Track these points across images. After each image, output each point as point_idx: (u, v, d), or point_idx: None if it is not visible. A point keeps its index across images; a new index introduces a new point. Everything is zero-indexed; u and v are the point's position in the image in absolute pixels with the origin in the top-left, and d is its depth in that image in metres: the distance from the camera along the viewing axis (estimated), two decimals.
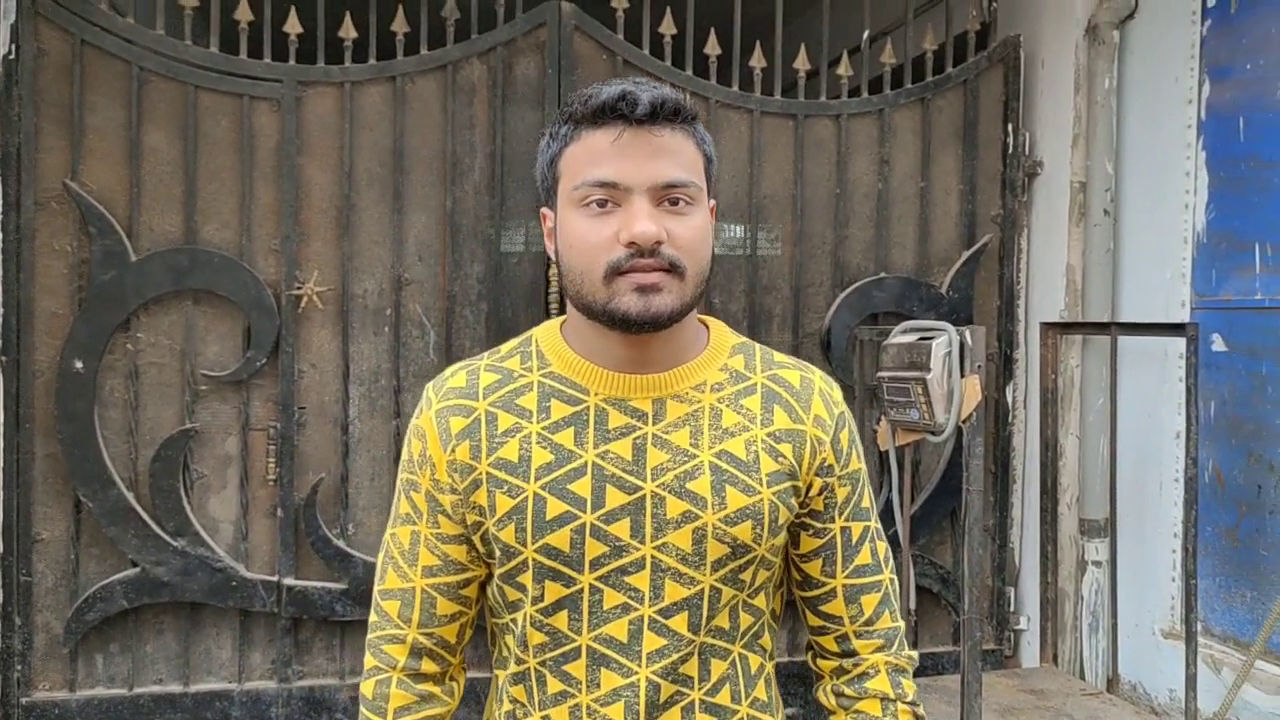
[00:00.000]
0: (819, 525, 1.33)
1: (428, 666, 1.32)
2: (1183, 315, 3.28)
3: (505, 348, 1.34)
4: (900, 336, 3.12)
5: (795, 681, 3.44)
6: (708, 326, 1.35)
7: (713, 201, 1.30)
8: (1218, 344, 3.18)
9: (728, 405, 1.28)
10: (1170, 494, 3.30)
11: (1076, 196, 3.53)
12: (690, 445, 1.25)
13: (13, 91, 3.00)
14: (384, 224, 3.27)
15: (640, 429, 1.25)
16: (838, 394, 1.36)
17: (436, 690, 1.32)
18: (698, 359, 1.30)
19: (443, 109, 3.29)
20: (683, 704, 1.24)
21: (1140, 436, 3.40)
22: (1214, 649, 3.14)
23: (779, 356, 1.36)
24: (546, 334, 1.33)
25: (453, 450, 1.26)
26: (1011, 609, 3.75)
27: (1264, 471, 3.03)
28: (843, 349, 3.53)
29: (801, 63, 3.55)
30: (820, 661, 1.40)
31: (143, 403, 3.14)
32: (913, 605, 3.48)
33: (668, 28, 3.40)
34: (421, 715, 1.31)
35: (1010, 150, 3.69)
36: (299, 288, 3.20)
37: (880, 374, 3.14)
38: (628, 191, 1.19)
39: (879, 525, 1.38)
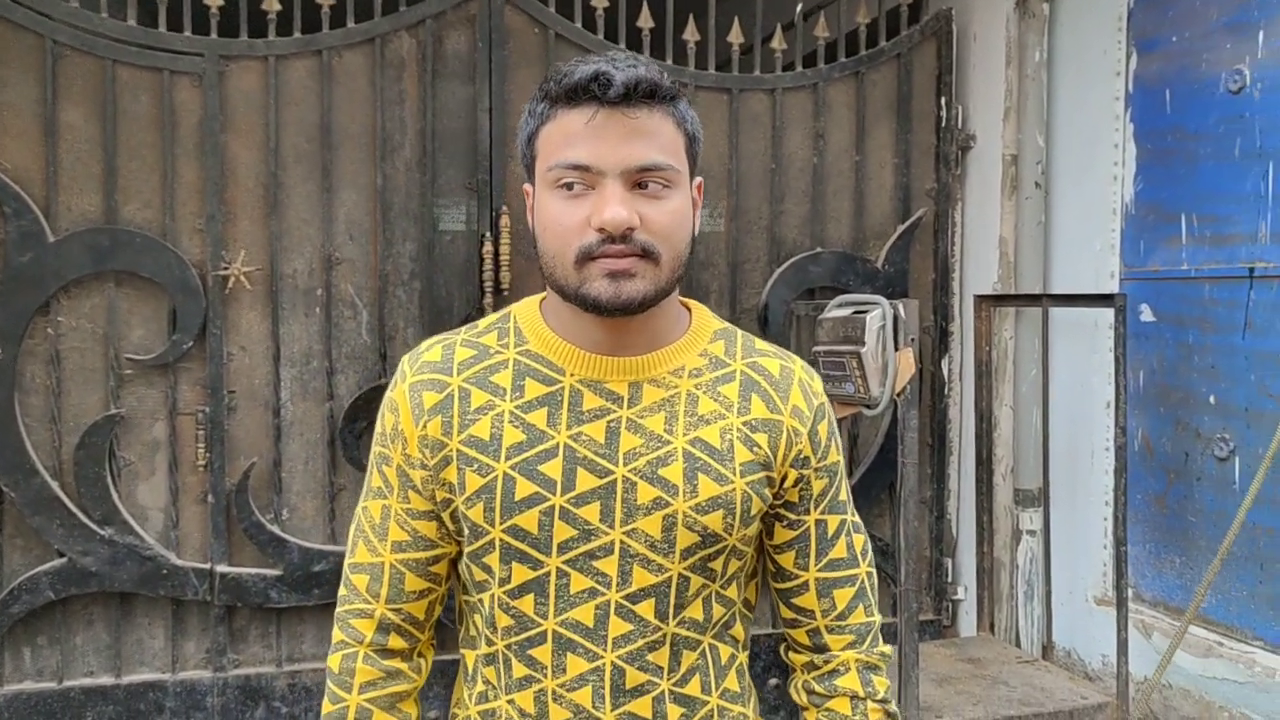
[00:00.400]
0: (794, 517, 1.31)
1: (395, 642, 1.31)
2: (1112, 286, 3.32)
3: (484, 323, 1.33)
4: (835, 311, 3.13)
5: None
6: (690, 310, 1.33)
7: (698, 179, 1.27)
8: (1146, 314, 3.23)
9: (705, 392, 1.26)
10: (1101, 463, 3.35)
11: (1009, 169, 3.56)
12: (664, 431, 1.23)
13: None
14: (313, 202, 3.20)
15: (615, 412, 1.23)
16: (818, 385, 1.34)
17: (404, 666, 1.32)
18: (677, 343, 1.28)
19: (371, 84, 3.22)
20: (653, 694, 1.23)
21: (1072, 406, 3.45)
22: (1145, 614, 3.20)
23: (760, 344, 1.34)
24: (526, 311, 1.31)
25: (424, 425, 1.25)
26: (949, 579, 3.80)
27: (1191, 439, 3.08)
28: (780, 324, 3.53)
29: (735, 37, 3.53)
30: (792, 655, 1.39)
31: (65, 389, 3.06)
32: None
33: (599, 1, 3.36)
34: (388, 691, 1.30)
35: (944, 124, 3.71)
36: (225, 268, 3.13)
37: (816, 348, 3.15)
38: (600, 175, 1.16)
39: (857, 519, 1.37)
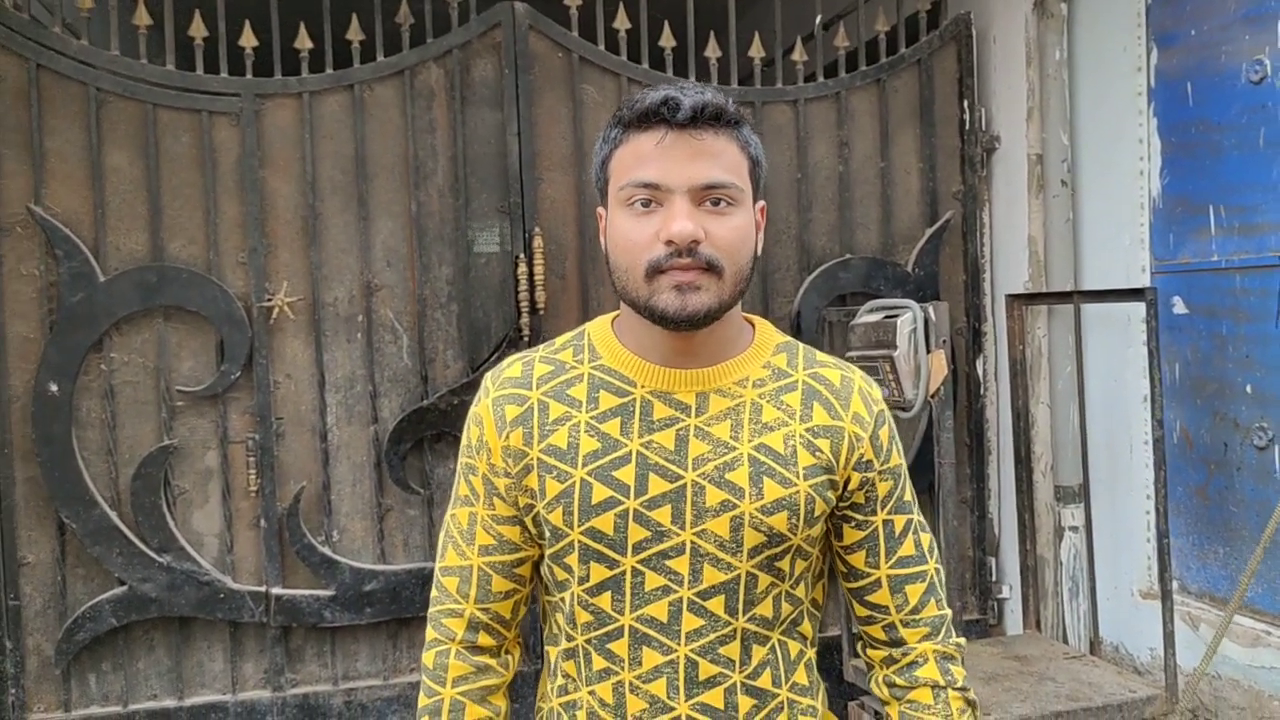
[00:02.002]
0: (861, 518, 1.38)
1: (484, 640, 1.39)
2: (1143, 280, 3.33)
3: (559, 341, 1.42)
4: (866, 316, 3.16)
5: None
6: (754, 325, 1.41)
7: (761, 203, 1.34)
8: (1178, 307, 3.23)
9: (768, 401, 1.33)
10: (1140, 456, 3.35)
11: (1034, 169, 3.58)
12: (730, 438, 1.30)
13: None
14: (350, 231, 3.29)
15: (683, 420, 1.31)
16: (877, 393, 1.42)
17: (493, 662, 1.40)
18: (741, 355, 1.36)
19: (402, 114, 3.31)
20: (725, 685, 1.30)
21: (1108, 401, 3.45)
22: (1190, 606, 3.19)
23: (821, 355, 1.42)
24: (599, 328, 1.40)
25: (507, 436, 1.34)
26: (993, 578, 3.80)
27: (1229, 429, 3.08)
28: (812, 331, 3.57)
29: (756, 51, 3.58)
30: (870, 651, 1.45)
31: (120, 421, 3.16)
32: None
33: (622, 22, 3.43)
34: (479, 685, 1.39)
35: (967, 127, 3.73)
36: (269, 299, 3.22)
37: (849, 353, 3.18)
38: (669, 192, 1.24)
39: (921, 518, 1.43)
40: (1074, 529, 3.56)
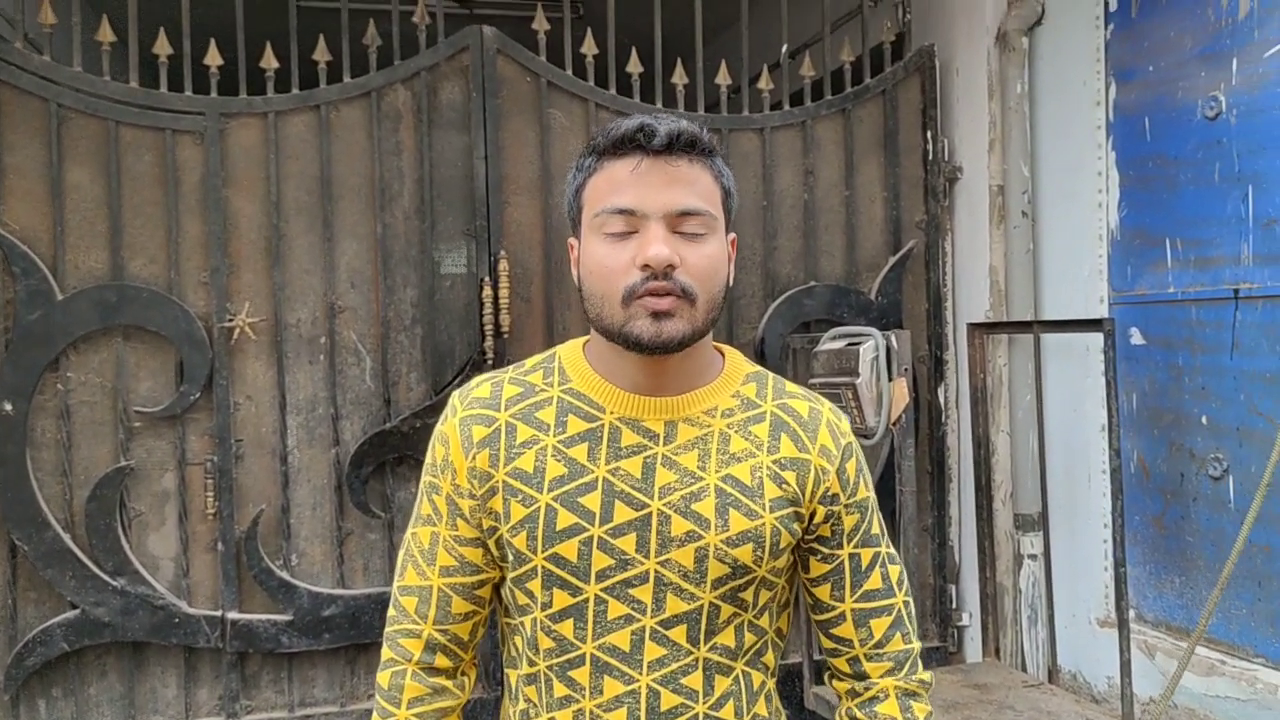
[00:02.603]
0: (827, 551, 1.38)
1: (441, 661, 1.38)
2: (1101, 311, 3.37)
3: (530, 363, 1.41)
4: (830, 343, 3.18)
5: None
6: (724, 354, 1.41)
7: (733, 235, 1.35)
8: (1136, 338, 3.28)
9: (736, 431, 1.33)
10: (1098, 485, 3.39)
11: (995, 199, 3.62)
12: (698, 468, 1.30)
13: None
14: (314, 252, 3.27)
15: (651, 449, 1.30)
16: (845, 425, 1.41)
17: (449, 684, 1.39)
18: (711, 385, 1.36)
19: (369, 135, 3.30)
20: (687, 715, 1.29)
21: (1067, 431, 3.49)
22: (1147, 635, 3.22)
23: (790, 386, 1.42)
24: (570, 352, 1.39)
25: (473, 457, 1.33)
26: (954, 606, 3.82)
27: (1185, 460, 3.12)
28: (776, 358, 3.59)
29: (723, 78, 3.61)
30: (836, 683, 1.46)
31: (76, 442, 3.11)
32: None
33: (589, 48, 3.45)
34: (434, 706, 1.38)
35: (930, 157, 3.78)
36: (231, 319, 3.19)
37: (812, 380, 3.20)
38: (644, 218, 1.25)
39: (892, 550, 1.43)
40: (1033, 557, 3.59)
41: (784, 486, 1.32)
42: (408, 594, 1.39)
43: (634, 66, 3.46)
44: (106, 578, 3.09)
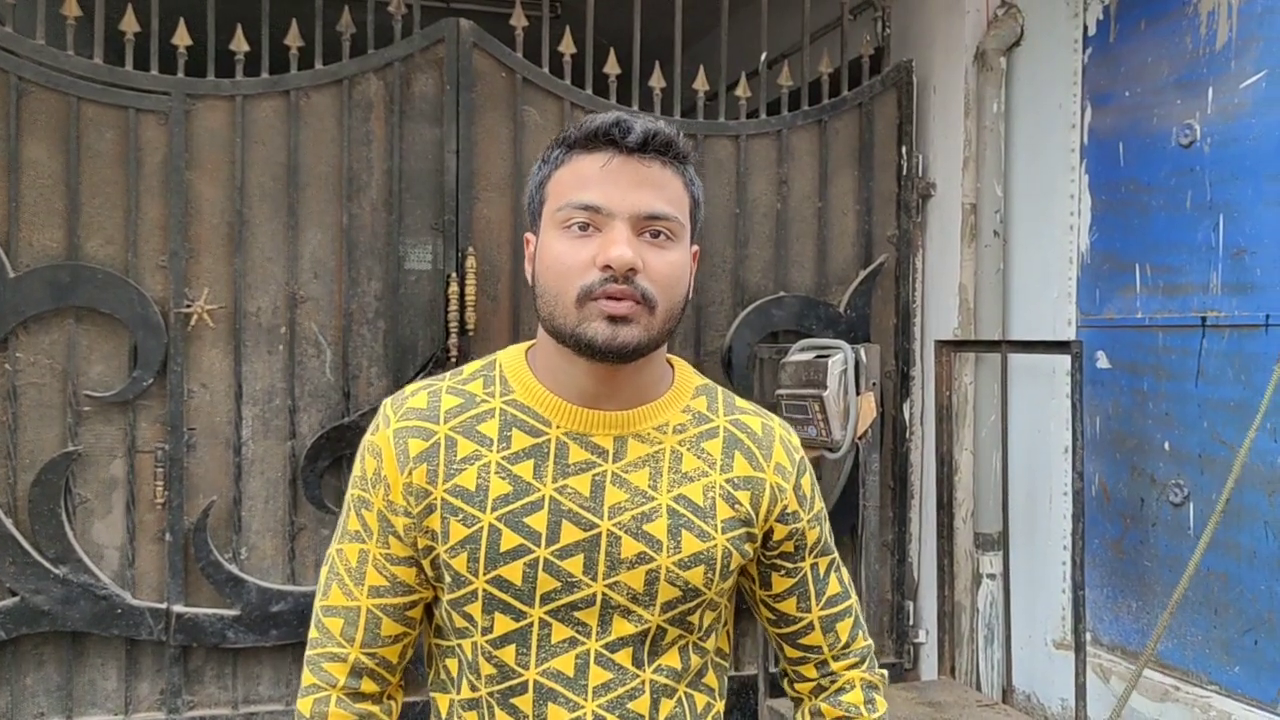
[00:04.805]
0: (791, 566, 1.35)
1: (368, 686, 1.30)
2: (1069, 333, 3.38)
3: (468, 370, 1.32)
4: (798, 355, 3.16)
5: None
6: (673, 366, 1.35)
7: (695, 247, 1.30)
8: (1102, 361, 3.28)
9: (688, 449, 1.28)
10: (1060, 507, 3.39)
11: (968, 217, 3.62)
12: (649, 487, 1.25)
13: None
14: (278, 240, 3.21)
15: (600, 466, 1.24)
16: (796, 440, 1.38)
17: (375, 710, 1.31)
18: (661, 399, 1.30)
19: (339, 124, 3.24)
20: None
21: (1031, 451, 3.49)
22: (1103, 658, 3.22)
23: (740, 401, 1.38)
24: (511, 360, 1.31)
25: (409, 473, 1.24)
26: (911, 623, 3.81)
27: (1146, 485, 3.13)
28: (744, 367, 3.56)
29: (701, 84, 3.58)
30: (798, 686, 1.43)
31: (22, 425, 3.02)
32: None
33: (567, 47, 3.41)
34: None
35: (905, 172, 3.77)
36: (188, 305, 3.12)
37: (779, 391, 3.17)
38: (610, 217, 1.18)
39: (837, 553, 1.42)
40: (991, 576, 3.58)
41: (736, 507, 1.28)
42: (332, 615, 1.29)
43: (612, 67, 3.43)
44: (48, 565, 3.00)
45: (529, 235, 1.30)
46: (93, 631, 3.06)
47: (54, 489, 3.02)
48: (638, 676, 1.24)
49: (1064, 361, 3.29)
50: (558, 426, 1.25)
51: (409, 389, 1.31)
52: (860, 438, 2.96)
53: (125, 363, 3.10)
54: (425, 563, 1.26)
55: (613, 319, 1.17)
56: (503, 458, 1.24)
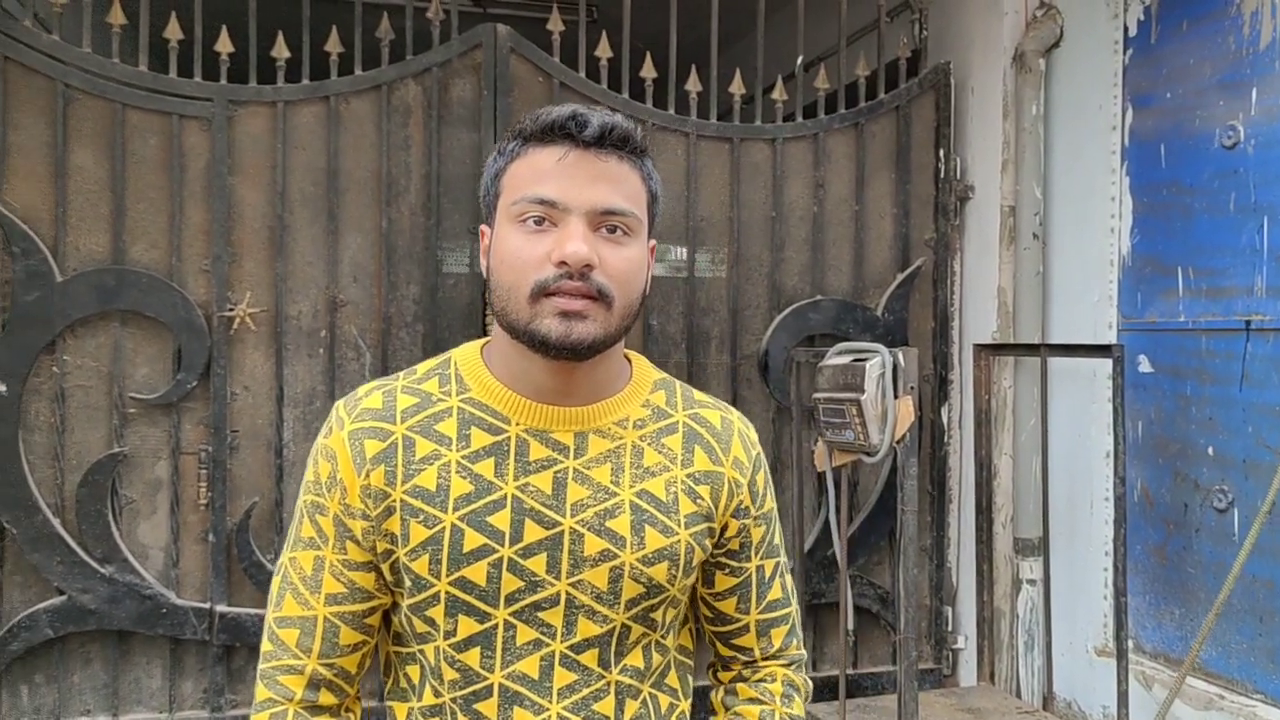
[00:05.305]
0: (735, 565, 1.34)
1: (325, 698, 1.26)
2: (1110, 337, 3.34)
3: (422, 369, 1.30)
4: (835, 358, 3.15)
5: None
6: (631, 361, 1.34)
7: (653, 241, 1.28)
8: (1144, 365, 3.25)
9: (649, 444, 1.27)
10: (1101, 513, 3.35)
11: (1006, 220, 3.60)
12: (611, 483, 1.23)
13: None
14: (318, 244, 3.24)
15: (561, 463, 1.23)
16: (754, 435, 1.38)
17: None
18: (620, 394, 1.28)
19: (378, 129, 3.27)
20: None
21: (1071, 456, 3.45)
22: (1145, 666, 3.18)
23: (698, 395, 1.37)
24: (466, 357, 1.29)
25: (367, 474, 1.21)
26: (949, 628, 3.78)
27: (1190, 491, 3.09)
28: (780, 371, 3.55)
29: (737, 87, 3.58)
30: (722, 673, 1.43)
31: (69, 426, 3.07)
32: (850, 625, 3.49)
33: (604, 51, 3.42)
34: None
35: (942, 175, 3.75)
36: (231, 309, 3.16)
37: (816, 395, 3.16)
38: (566, 212, 1.16)
39: (786, 559, 1.41)
40: (1032, 582, 3.55)
41: (698, 501, 1.27)
42: (287, 626, 1.24)
43: (648, 71, 3.44)
44: (95, 565, 3.05)
45: (484, 228, 1.28)
46: (138, 630, 3.11)
47: (101, 490, 3.07)
48: (603, 678, 1.23)
49: (1105, 365, 3.25)
50: (517, 424, 1.23)
51: (361, 390, 1.29)
52: (898, 442, 2.94)
53: (169, 365, 3.14)
54: (385, 567, 1.23)
55: (567, 315, 1.15)
56: (463, 457, 1.21)
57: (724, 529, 1.31)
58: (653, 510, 1.24)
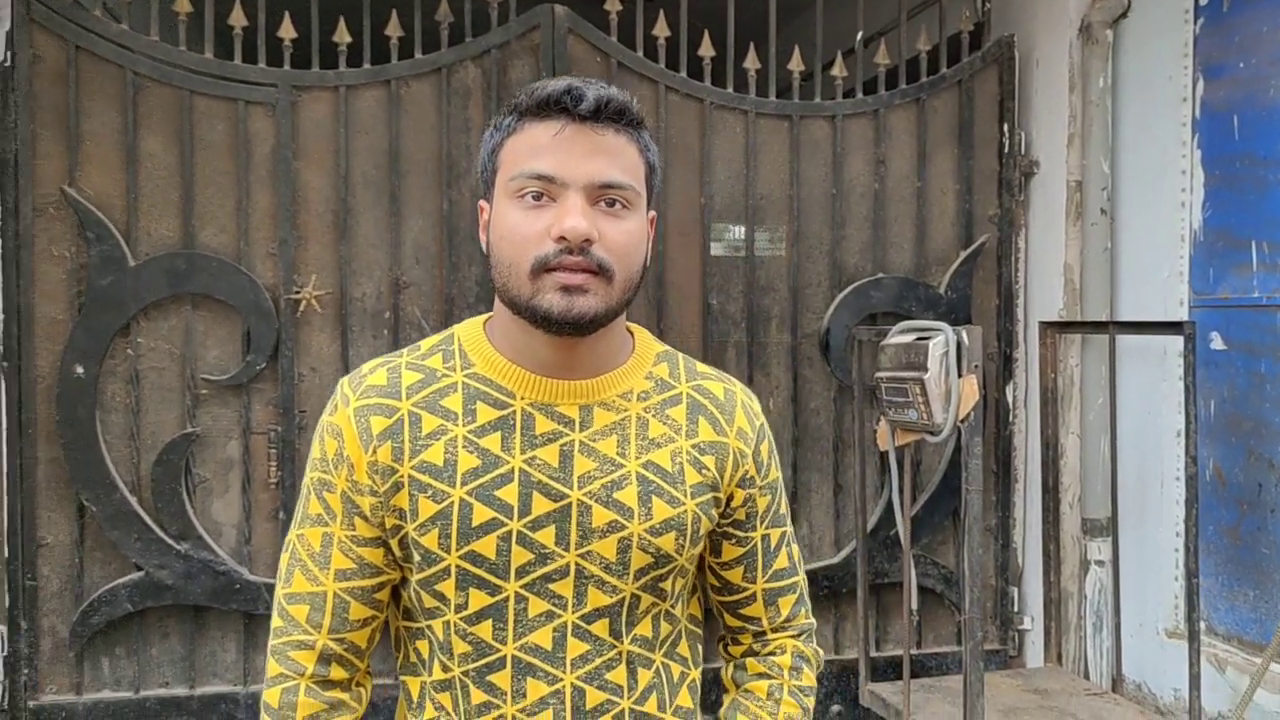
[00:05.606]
0: (741, 534, 1.35)
1: (336, 673, 1.28)
2: (1181, 313, 3.27)
3: (425, 344, 1.31)
4: (898, 337, 3.12)
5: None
6: (633, 334, 1.35)
7: (652, 212, 1.29)
8: (1216, 342, 3.17)
9: (654, 415, 1.28)
10: (1171, 492, 3.29)
11: (1073, 196, 3.53)
12: (618, 454, 1.24)
13: (9, 99, 3.02)
14: (381, 227, 3.28)
15: (567, 436, 1.24)
16: (757, 405, 1.39)
17: (345, 697, 1.29)
18: (624, 366, 1.30)
19: (438, 112, 3.30)
20: (614, 712, 1.25)
21: (1141, 435, 3.39)
22: (1218, 648, 3.13)
23: (701, 366, 1.38)
24: (469, 332, 1.30)
25: (374, 451, 1.23)
26: (1015, 609, 3.74)
27: (1264, 470, 3.02)
28: (841, 349, 3.53)
29: (796, 64, 3.55)
30: (732, 648, 1.44)
31: (144, 407, 3.16)
32: (914, 605, 3.46)
33: (661, 30, 3.41)
34: None
35: (1006, 150, 3.69)
36: (297, 291, 3.21)
37: (878, 374, 3.14)
38: (564, 186, 1.17)
39: (792, 529, 1.42)
40: (1100, 563, 3.50)
41: (704, 471, 1.28)
42: (297, 602, 1.26)
43: (706, 50, 3.42)
44: (170, 541, 3.14)
45: (482, 203, 1.28)
46: (213, 605, 3.19)
47: (175, 469, 3.15)
48: (615, 647, 1.25)
49: (1176, 343, 3.19)
50: (522, 398, 1.24)
51: (366, 366, 1.30)
52: (962, 421, 2.91)
53: (239, 347, 3.21)
54: (393, 542, 1.25)
55: (568, 290, 1.16)
56: (469, 431, 1.22)
57: (730, 499, 1.32)
58: (659, 481, 1.25)
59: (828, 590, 3.57)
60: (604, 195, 1.18)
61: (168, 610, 3.20)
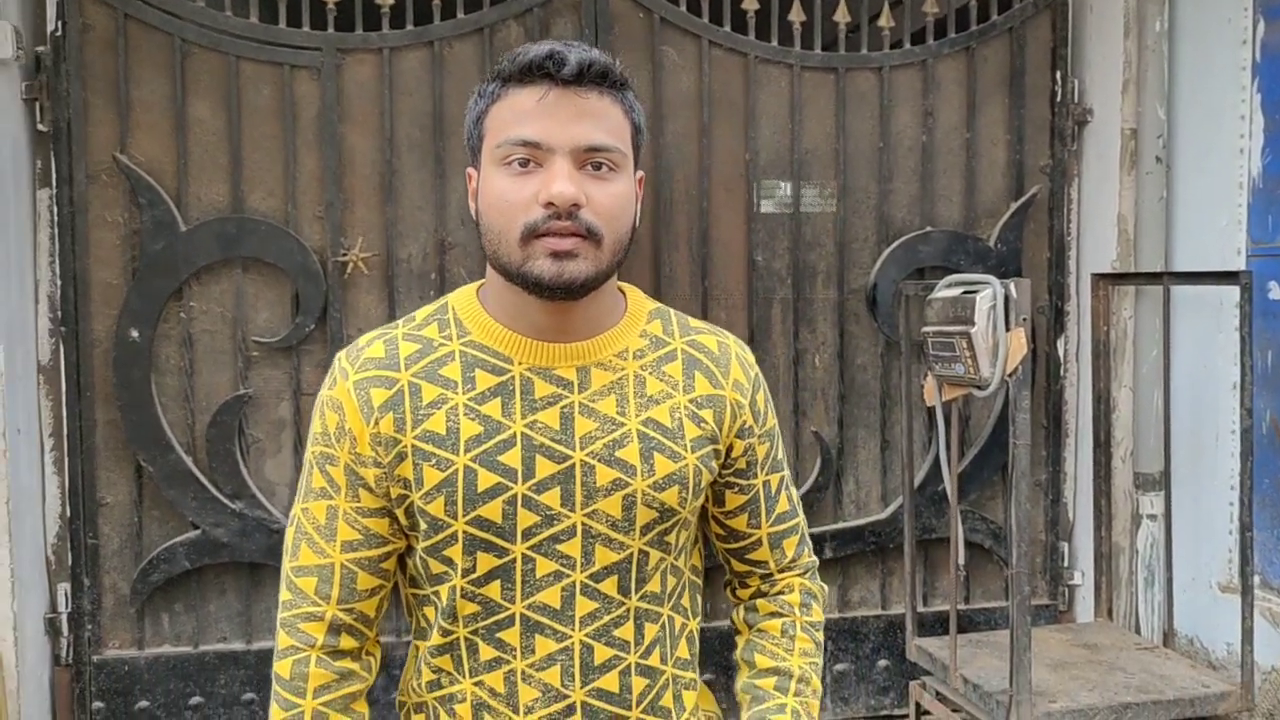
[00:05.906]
0: (744, 483, 1.38)
1: (346, 643, 1.30)
2: (1238, 263, 3.20)
3: (420, 315, 1.33)
4: (945, 291, 3.08)
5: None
6: (625, 293, 1.36)
7: (640, 173, 1.29)
8: (1275, 292, 3.10)
9: (650, 372, 1.30)
10: (1226, 446, 3.24)
11: (1128, 144, 3.45)
12: (617, 413, 1.26)
13: (61, 68, 3.07)
14: (426, 189, 3.30)
15: (567, 398, 1.25)
16: (751, 356, 1.41)
17: (355, 666, 1.31)
18: (618, 326, 1.31)
19: (481, 71, 3.29)
20: (620, 668, 1.27)
21: (1195, 388, 3.33)
22: (1272, 602, 3.09)
23: (693, 321, 1.39)
24: (463, 300, 1.31)
25: (375, 422, 1.24)
26: (1065, 564, 3.71)
27: None
28: (888, 305, 3.50)
29: (842, 16, 3.49)
30: (740, 592, 1.47)
31: (197, 369, 3.22)
32: (962, 560, 3.45)
33: None
34: (342, 693, 1.30)
35: (1059, 98, 3.61)
36: (344, 253, 3.25)
37: (925, 329, 3.11)
38: (549, 152, 1.18)
39: (789, 472, 1.45)
40: (1152, 517, 3.46)
41: (702, 425, 1.30)
42: (304, 574, 1.28)
43: (750, 3, 3.38)
44: (225, 500, 3.21)
45: (470, 170, 1.29)
46: (268, 563, 3.26)
47: (228, 429, 3.21)
48: (623, 604, 1.27)
49: (1232, 293, 3.12)
50: (519, 363, 1.26)
51: (362, 340, 1.31)
52: (1010, 375, 2.87)
53: (288, 310, 3.25)
54: (399, 512, 1.27)
55: (558, 255, 1.17)
56: (469, 399, 1.24)
57: (729, 449, 1.34)
58: (659, 437, 1.27)
59: (875, 546, 3.56)
60: (590, 159, 1.19)
61: (224, 567, 3.28)
